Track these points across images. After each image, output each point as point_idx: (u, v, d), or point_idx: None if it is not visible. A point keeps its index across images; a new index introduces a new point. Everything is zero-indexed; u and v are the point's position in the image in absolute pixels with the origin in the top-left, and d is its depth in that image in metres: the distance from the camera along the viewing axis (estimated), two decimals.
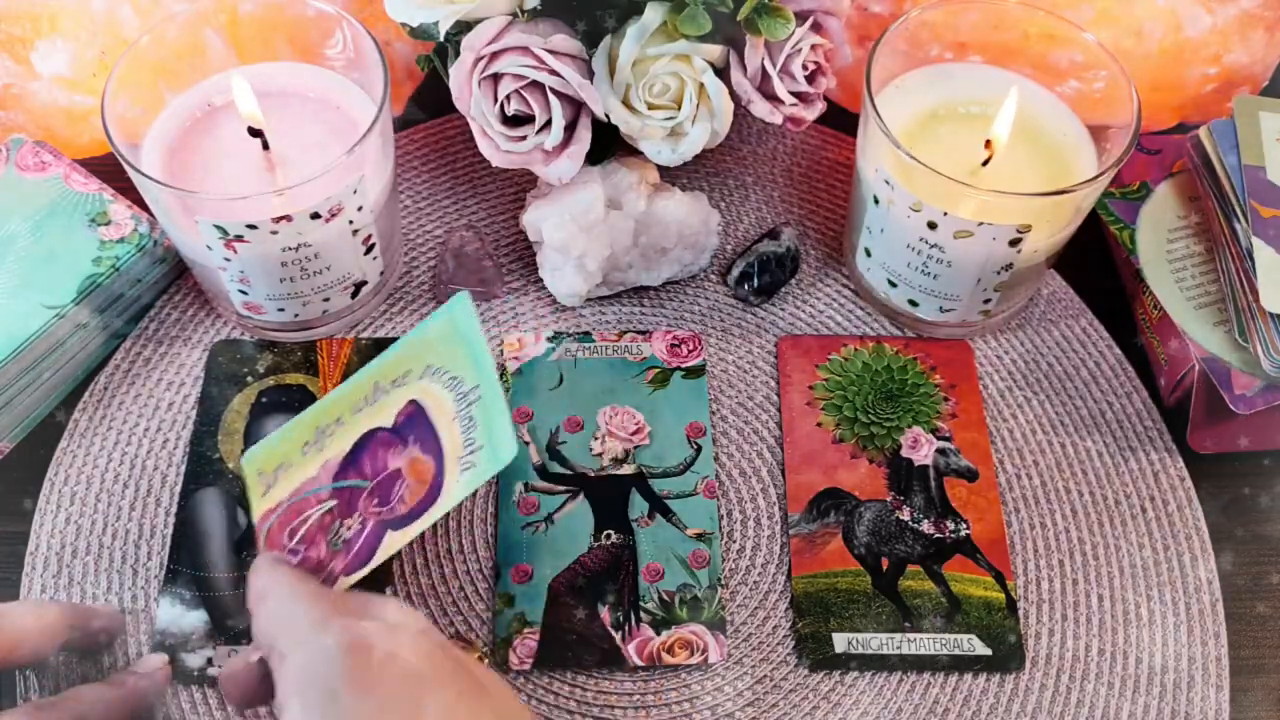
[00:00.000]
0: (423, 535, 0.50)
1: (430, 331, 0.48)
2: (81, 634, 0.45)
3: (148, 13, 0.55)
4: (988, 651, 0.48)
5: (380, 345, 0.55)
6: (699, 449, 0.52)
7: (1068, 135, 0.53)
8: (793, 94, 0.52)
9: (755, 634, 0.48)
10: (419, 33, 0.52)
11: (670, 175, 0.60)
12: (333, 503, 0.46)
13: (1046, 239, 0.50)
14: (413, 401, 0.47)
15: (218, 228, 0.47)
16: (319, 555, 0.45)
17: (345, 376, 0.54)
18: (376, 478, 0.46)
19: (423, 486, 0.45)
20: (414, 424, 0.46)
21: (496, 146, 0.51)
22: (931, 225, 0.50)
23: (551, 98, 0.49)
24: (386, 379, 0.48)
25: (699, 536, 0.50)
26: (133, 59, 0.50)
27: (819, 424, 0.53)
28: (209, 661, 0.46)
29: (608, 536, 0.50)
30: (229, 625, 0.47)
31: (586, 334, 0.56)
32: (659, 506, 0.51)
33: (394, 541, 0.44)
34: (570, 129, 0.51)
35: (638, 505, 0.51)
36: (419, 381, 0.47)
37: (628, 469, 0.52)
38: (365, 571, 0.44)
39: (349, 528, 0.45)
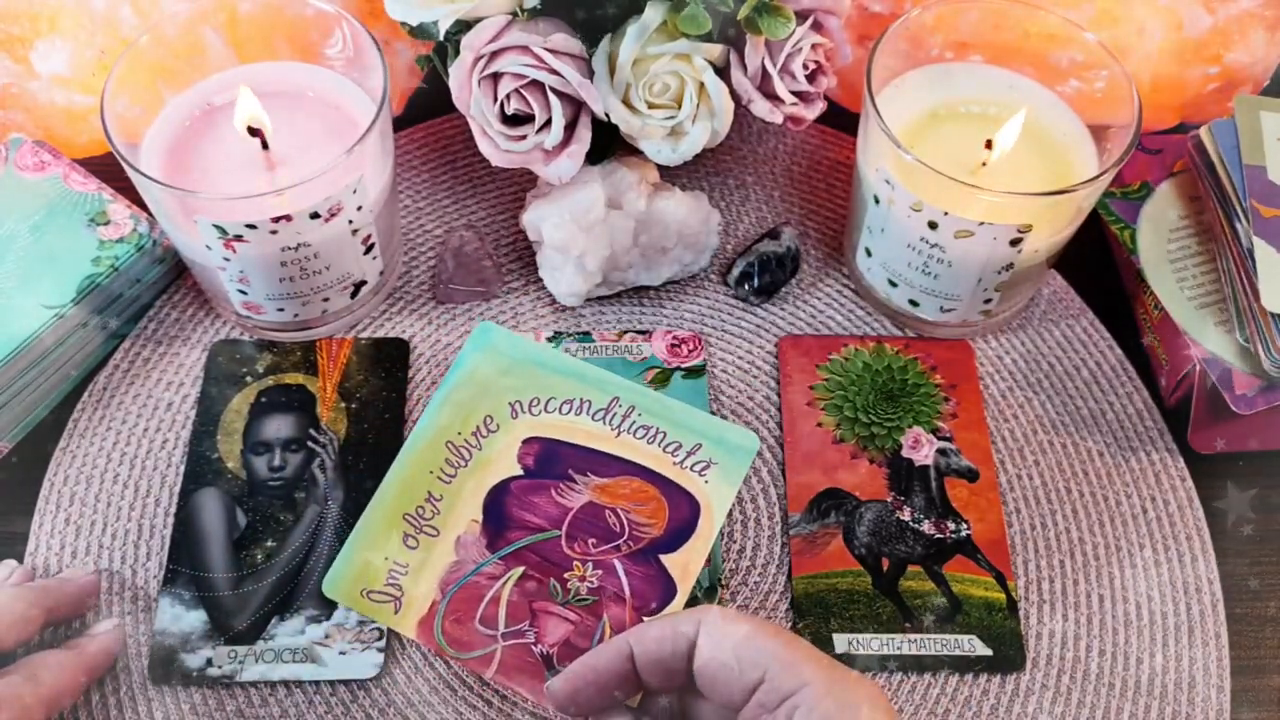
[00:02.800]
0: None
1: (477, 373, 0.46)
2: (60, 611, 0.46)
3: (147, 12, 0.55)
4: (988, 652, 0.48)
5: (380, 345, 0.55)
6: None
7: (1068, 135, 0.53)
8: (793, 93, 0.52)
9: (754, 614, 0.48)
10: (419, 32, 0.52)
11: (670, 175, 0.60)
12: (519, 569, 0.43)
13: (1047, 239, 0.50)
14: (532, 440, 0.45)
15: (217, 227, 0.47)
16: (567, 617, 0.42)
17: (344, 377, 0.54)
18: (559, 522, 0.44)
19: (657, 503, 0.44)
20: (556, 460, 0.45)
21: (496, 146, 0.51)
22: (932, 225, 0.49)
23: (551, 97, 0.49)
24: (459, 434, 0.46)
25: None
26: (132, 58, 0.50)
27: (819, 424, 0.53)
28: (208, 662, 0.46)
29: None
30: (228, 625, 0.47)
31: (586, 334, 0.56)
32: None
33: (680, 562, 0.43)
34: (570, 128, 0.51)
35: None
36: (516, 421, 0.46)
37: None
38: (680, 600, 0.43)
39: (581, 579, 0.43)
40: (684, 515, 0.44)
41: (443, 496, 0.45)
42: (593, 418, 0.46)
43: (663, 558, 0.43)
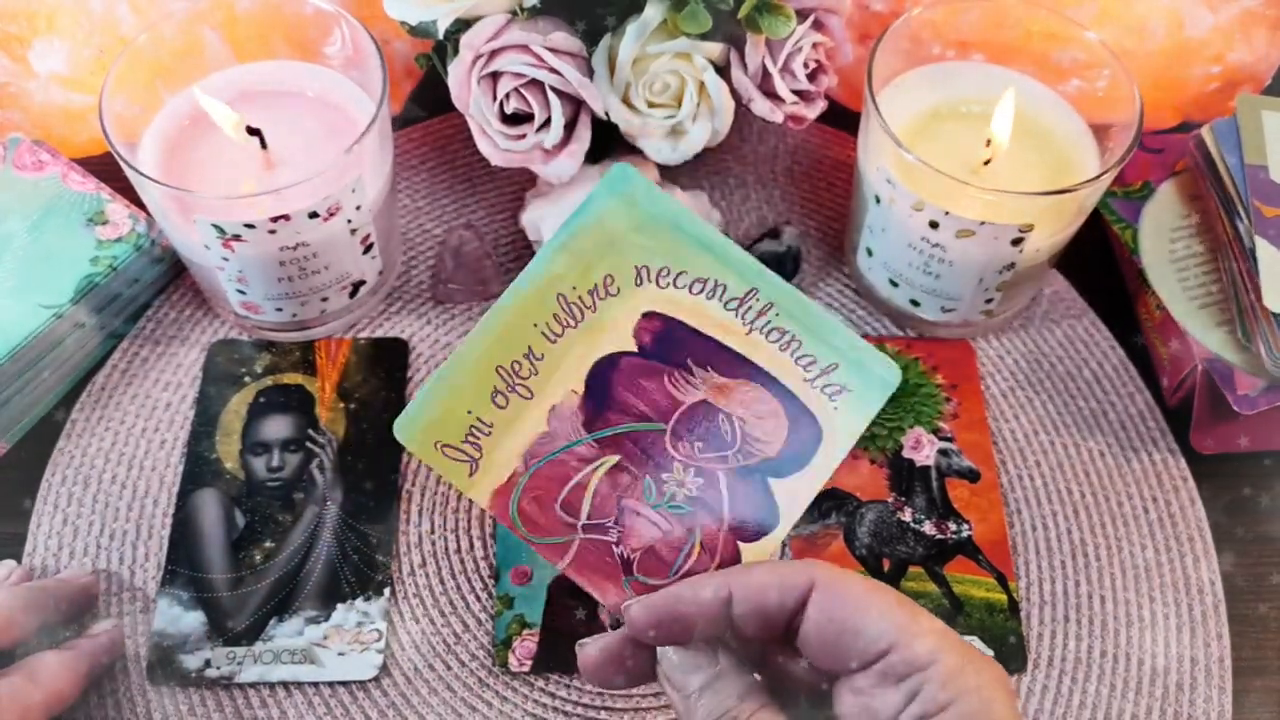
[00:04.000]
0: (420, 535, 0.50)
1: (607, 220, 0.40)
2: (58, 612, 0.45)
3: (145, 11, 0.55)
4: (990, 653, 0.47)
5: (379, 345, 0.55)
6: None
7: (1070, 134, 0.53)
8: (794, 92, 0.52)
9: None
10: (418, 31, 0.52)
11: (670, 174, 0.60)
12: (614, 457, 0.38)
13: (1048, 238, 0.50)
14: (653, 315, 0.40)
15: (215, 227, 0.47)
16: (658, 523, 0.38)
17: (343, 377, 0.54)
18: (667, 415, 0.39)
19: (777, 421, 0.39)
20: (675, 344, 0.40)
21: (496, 145, 0.51)
22: (933, 224, 0.49)
23: (551, 96, 0.49)
24: (574, 288, 0.40)
25: None
26: (130, 58, 0.50)
27: None
28: (207, 663, 0.46)
29: None
30: (227, 626, 0.47)
31: None
32: None
33: (788, 491, 0.38)
34: (570, 127, 0.51)
35: None
36: (640, 289, 0.40)
37: None
38: (782, 532, 0.38)
39: (680, 484, 0.39)
40: (804, 439, 0.39)
41: (544, 355, 0.39)
42: (725, 305, 0.40)
43: (772, 481, 0.39)
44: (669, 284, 0.40)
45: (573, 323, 0.40)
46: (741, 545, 0.38)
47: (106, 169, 0.53)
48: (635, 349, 0.40)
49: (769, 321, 0.40)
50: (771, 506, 0.38)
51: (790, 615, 0.35)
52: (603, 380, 0.39)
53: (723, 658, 0.36)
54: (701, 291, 0.40)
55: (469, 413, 0.38)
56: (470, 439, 0.38)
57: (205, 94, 0.50)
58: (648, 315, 0.40)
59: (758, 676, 0.36)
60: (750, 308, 0.40)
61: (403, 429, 0.38)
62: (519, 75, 0.48)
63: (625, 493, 0.38)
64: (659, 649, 0.36)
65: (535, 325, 0.39)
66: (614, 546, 0.38)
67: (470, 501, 0.51)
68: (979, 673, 0.33)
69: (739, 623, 0.35)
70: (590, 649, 0.37)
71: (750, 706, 0.34)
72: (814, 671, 0.36)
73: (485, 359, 0.39)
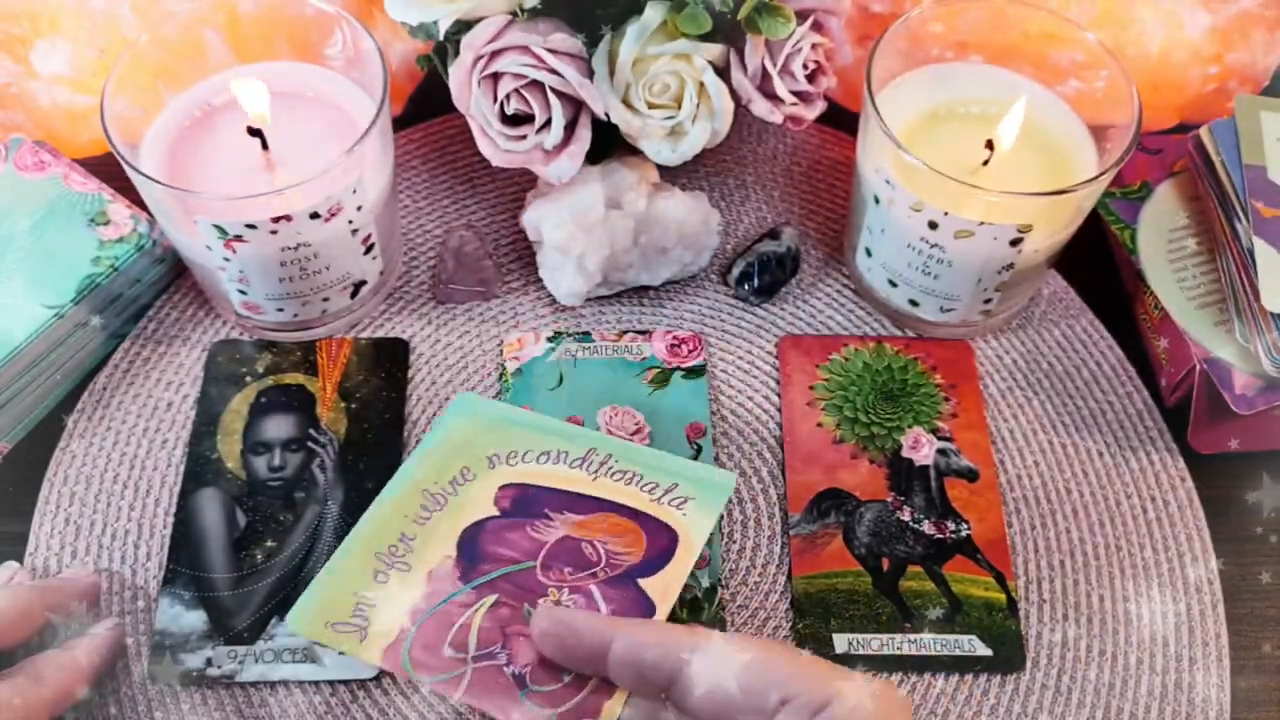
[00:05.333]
0: None
1: (455, 433, 0.47)
2: (61, 612, 0.45)
3: (147, 12, 0.55)
4: (989, 652, 0.48)
5: (380, 345, 0.55)
6: (699, 449, 0.52)
7: (1069, 135, 0.53)
8: (793, 93, 0.52)
9: (756, 635, 0.48)
10: (419, 32, 0.52)
11: (670, 175, 0.60)
12: (492, 596, 0.42)
13: (1047, 239, 0.50)
14: (509, 486, 0.46)
15: (217, 227, 0.47)
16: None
17: (344, 377, 0.54)
18: (534, 555, 0.43)
19: (635, 535, 0.44)
20: (532, 502, 0.45)
21: (496, 146, 0.51)
22: (932, 225, 0.49)
23: (551, 97, 0.49)
24: (435, 483, 0.46)
25: None
26: (132, 58, 0.50)
27: (819, 424, 0.53)
28: (208, 662, 0.46)
29: None
30: (228, 625, 0.47)
31: (586, 334, 0.56)
32: None
33: (659, 585, 0.43)
34: (570, 128, 0.51)
35: None
36: (493, 470, 0.46)
37: None
38: (660, 618, 0.42)
39: (555, 603, 0.42)
40: (662, 545, 0.44)
41: (416, 536, 0.45)
42: (570, 465, 0.46)
43: (640, 581, 0.43)
44: (518, 461, 0.46)
45: (438, 508, 0.45)
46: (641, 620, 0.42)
47: (108, 169, 0.53)
48: (498, 513, 0.45)
49: (611, 467, 0.46)
50: (645, 600, 0.43)
51: (666, 678, 0.36)
52: (472, 542, 0.44)
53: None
54: (547, 460, 0.46)
55: (354, 593, 0.43)
56: (357, 613, 0.42)
57: (238, 80, 0.51)
58: (504, 486, 0.46)
59: None
60: (591, 461, 0.46)
61: (295, 620, 0.43)
62: (519, 76, 0.49)
63: (507, 623, 0.42)
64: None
65: (405, 516, 0.45)
66: (504, 668, 0.41)
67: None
68: (882, 699, 0.35)
69: (615, 673, 0.38)
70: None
71: None
72: None
73: (364, 549, 0.44)
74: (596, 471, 0.46)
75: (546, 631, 0.39)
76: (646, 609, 0.42)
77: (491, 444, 0.47)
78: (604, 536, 0.44)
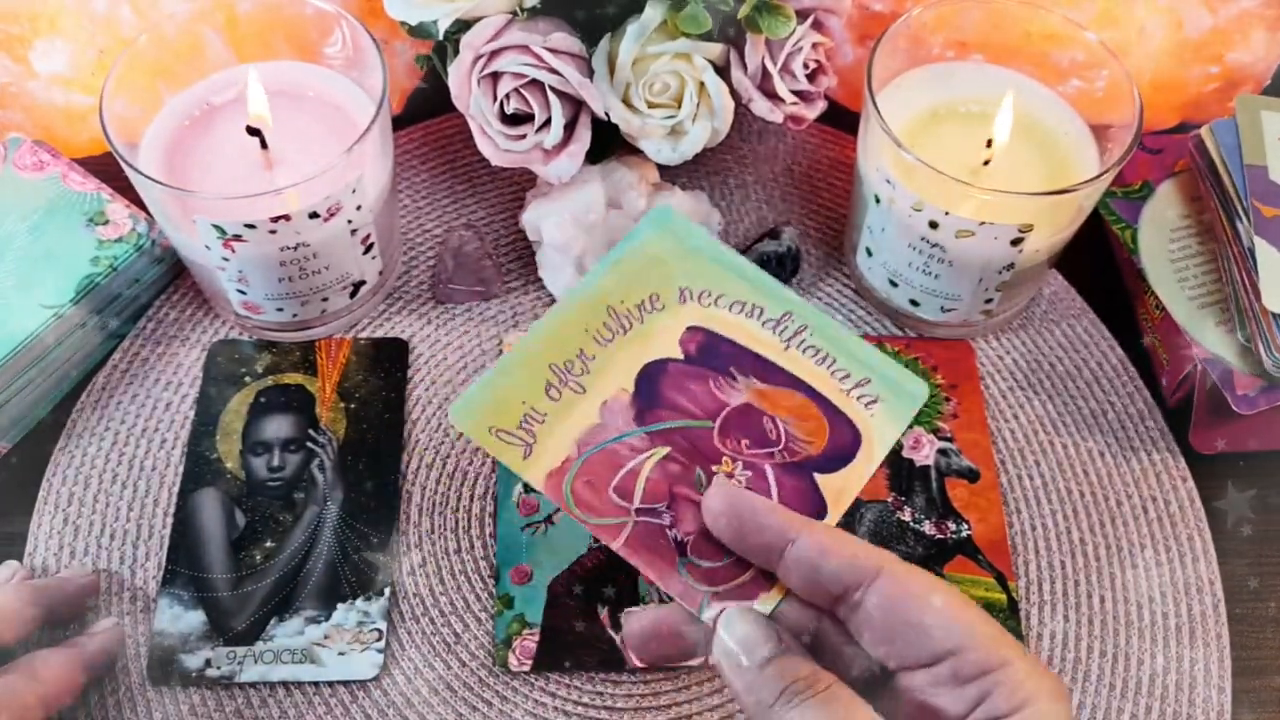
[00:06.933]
0: (419, 535, 0.50)
1: (650, 248, 0.43)
2: (59, 610, 0.46)
3: (146, 12, 0.55)
4: None
5: (379, 345, 0.55)
6: None
7: (1069, 134, 0.53)
8: (794, 92, 0.52)
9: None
10: (418, 31, 0.52)
11: (670, 174, 0.60)
12: (665, 449, 0.40)
13: (1048, 239, 0.50)
14: (697, 329, 0.42)
15: (216, 227, 0.47)
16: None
17: (344, 377, 0.54)
18: (713, 415, 0.41)
19: (818, 424, 0.41)
20: (718, 354, 0.42)
21: (496, 145, 0.51)
22: (933, 225, 0.49)
23: (551, 96, 0.49)
24: (622, 301, 0.42)
25: None
26: (131, 58, 0.50)
27: None
28: (207, 662, 0.46)
29: None
30: (227, 626, 0.47)
31: None
32: None
33: (834, 485, 0.40)
34: (570, 128, 0.51)
35: None
36: (683, 306, 0.42)
37: None
38: (831, 521, 0.39)
39: (729, 474, 0.40)
40: (844, 441, 0.41)
41: (595, 356, 0.41)
42: (763, 324, 0.42)
43: (817, 476, 0.40)
44: (710, 304, 0.42)
45: (622, 330, 0.42)
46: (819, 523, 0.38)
47: (107, 169, 0.53)
48: (681, 356, 0.41)
49: (804, 340, 0.42)
50: (818, 498, 0.39)
51: (842, 590, 0.35)
52: (651, 382, 0.41)
53: (785, 636, 0.35)
54: (741, 312, 0.42)
55: (523, 402, 0.40)
56: (524, 425, 0.39)
57: (255, 78, 0.50)
58: (691, 329, 0.42)
59: None
60: (786, 328, 0.42)
61: (459, 414, 0.39)
62: (519, 75, 0.48)
63: (676, 481, 0.39)
64: (720, 626, 0.36)
65: (586, 330, 0.41)
66: (667, 530, 0.38)
67: (471, 501, 0.51)
68: (1043, 680, 0.33)
69: (789, 569, 0.35)
70: (635, 620, 0.37)
71: (827, 677, 0.34)
72: (865, 656, 0.35)
73: (539, 357, 0.40)
74: (790, 340, 0.42)
75: (723, 510, 0.37)
76: (818, 507, 0.40)
77: (686, 275, 0.43)
78: (787, 416, 0.41)
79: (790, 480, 0.40)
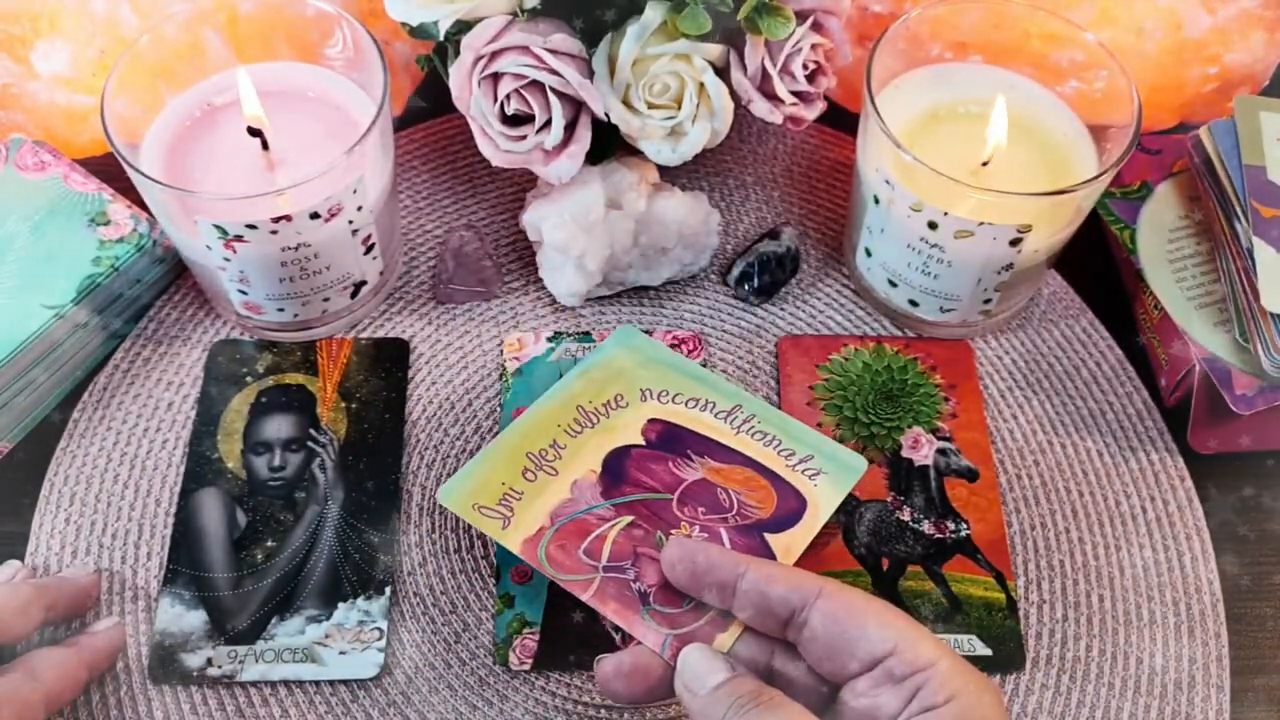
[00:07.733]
0: (420, 534, 0.50)
1: (615, 361, 0.51)
2: (61, 609, 0.46)
3: (147, 12, 0.55)
4: (988, 652, 0.48)
5: (380, 345, 0.55)
6: None
7: (1068, 135, 0.53)
8: (793, 93, 0.52)
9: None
10: (419, 32, 0.52)
11: (670, 175, 0.60)
12: (629, 517, 0.46)
13: (1047, 239, 0.50)
14: (657, 421, 0.49)
15: (217, 228, 0.47)
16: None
17: (345, 377, 0.54)
18: (672, 489, 0.47)
19: (766, 493, 0.47)
20: (676, 440, 0.49)
21: (496, 146, 0.51)
22: (932, 225, 0.50)
23: (551, 97, 0.49)
24: (590, 402, 0.50)
25: None
26: (132, 59, 0.50)
27: (819, 424, 0.53)
28: (208, 661, 0.46)
29: None
30: (228, 625, 0.47)
31: (586, 334, 0.56)
32: None
33: (783, 542, 0.46)
34: (570, 128, 0.51)
35: None
36: (645, 404, 0.50)
37: None
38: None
39: (686, 536, 0.45)
40: (792, 506, 0.47)
41: (566, 445, 0.48)
42: (715, 415, 0.49)
43: (767, 535, 0.46)
44: (669, 401, 0.50)
45: (590, 424, 0.49)
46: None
47: (108, 170, 0.54)
48: (643, 442, 0.49)
49: (753, 426, 0.49)
50: (769, 553, 0.45)
51: (789, 613, 0.38)
52: (617, 463, 0.48)
53: (737, 666, 0.39)
54: (696, 406, 0.50)
55: (503, 483, 0.47)
56: (504, 502, 0.46)
57: (245, 77, 0.51)
58: (653, 420, 0.49)
59: None
60: (736, 417, 0.50)
61: (447, 495, 0.46)
62: (520, 76, 0.49)
63: (640, 543, 0.45)
64: (679, 662, 0.39)
65: (559, 425, 0.49)
66: (632, 583, 0.44)
67: None
68: (970, 675, 0.36)
69: (741, 601, 0.39)
70: (605, 664, 0.40)
71: (772, 690, 0.37)
72: (813, 679, 0.39)
73: (517, 447, 0.48)
74: (740, 427, 0.49)
75: (678, 559, 0.41)
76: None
77: (646, 379, 0.51)
78: (738, 487, 0.47)
79: (742, 540, 0.46)
